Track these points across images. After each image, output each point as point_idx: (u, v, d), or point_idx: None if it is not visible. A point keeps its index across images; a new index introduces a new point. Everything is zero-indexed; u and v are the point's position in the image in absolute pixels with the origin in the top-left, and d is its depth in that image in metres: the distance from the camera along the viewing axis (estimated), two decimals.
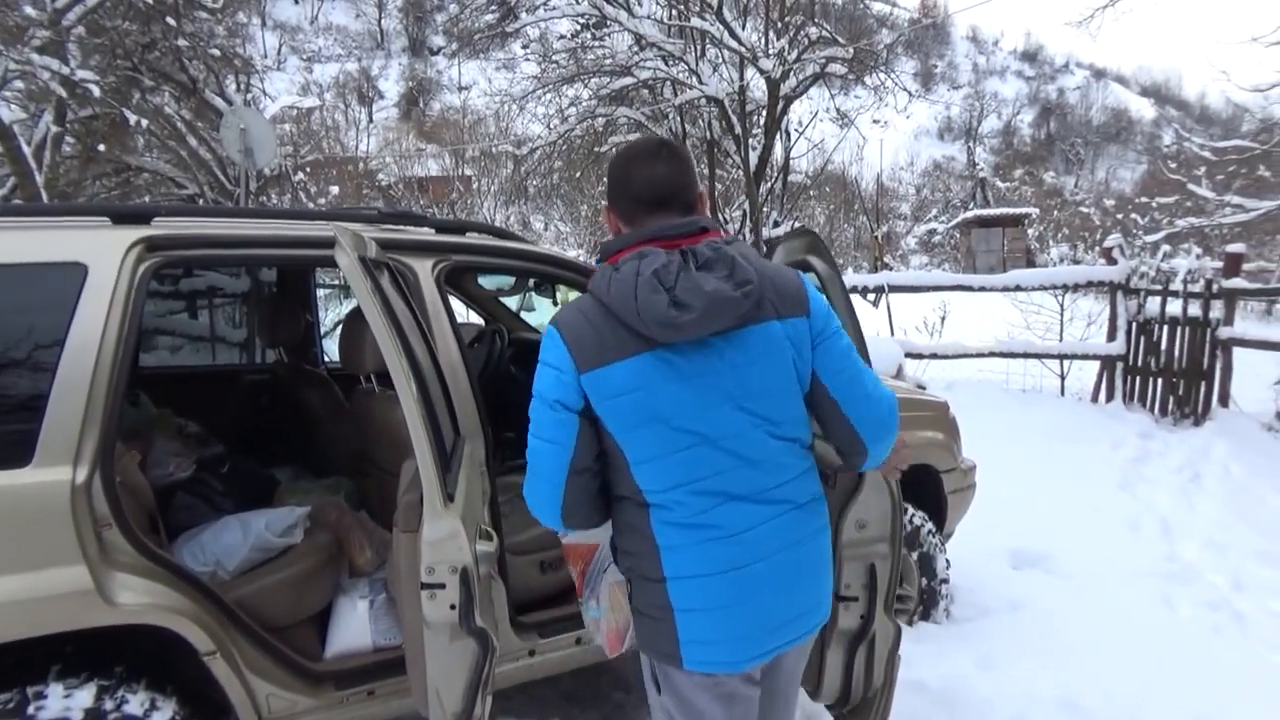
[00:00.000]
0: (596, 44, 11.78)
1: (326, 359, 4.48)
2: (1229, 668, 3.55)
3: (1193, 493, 6.13)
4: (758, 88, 12.18)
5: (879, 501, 2.38)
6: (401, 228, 2.92)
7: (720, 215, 12.44)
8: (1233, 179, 17.76)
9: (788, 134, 13.27)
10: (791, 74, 11.22)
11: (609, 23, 11.24)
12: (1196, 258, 13.53)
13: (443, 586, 1.85)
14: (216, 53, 11.99)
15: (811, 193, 19.93)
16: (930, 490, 3.86)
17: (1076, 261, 24.56)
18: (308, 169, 16.48)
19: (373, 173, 30.47)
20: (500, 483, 2.96)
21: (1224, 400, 8.62)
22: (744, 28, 10.81)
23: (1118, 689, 3.26)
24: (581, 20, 12.01)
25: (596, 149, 12.83)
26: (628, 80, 11.45)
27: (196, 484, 3.01)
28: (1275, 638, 3.88)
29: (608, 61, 11.78)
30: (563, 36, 12.44)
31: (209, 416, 3.70)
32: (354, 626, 2.73)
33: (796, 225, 12.86)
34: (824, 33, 10.84)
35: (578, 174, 14.22)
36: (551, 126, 12.65)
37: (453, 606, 1.85)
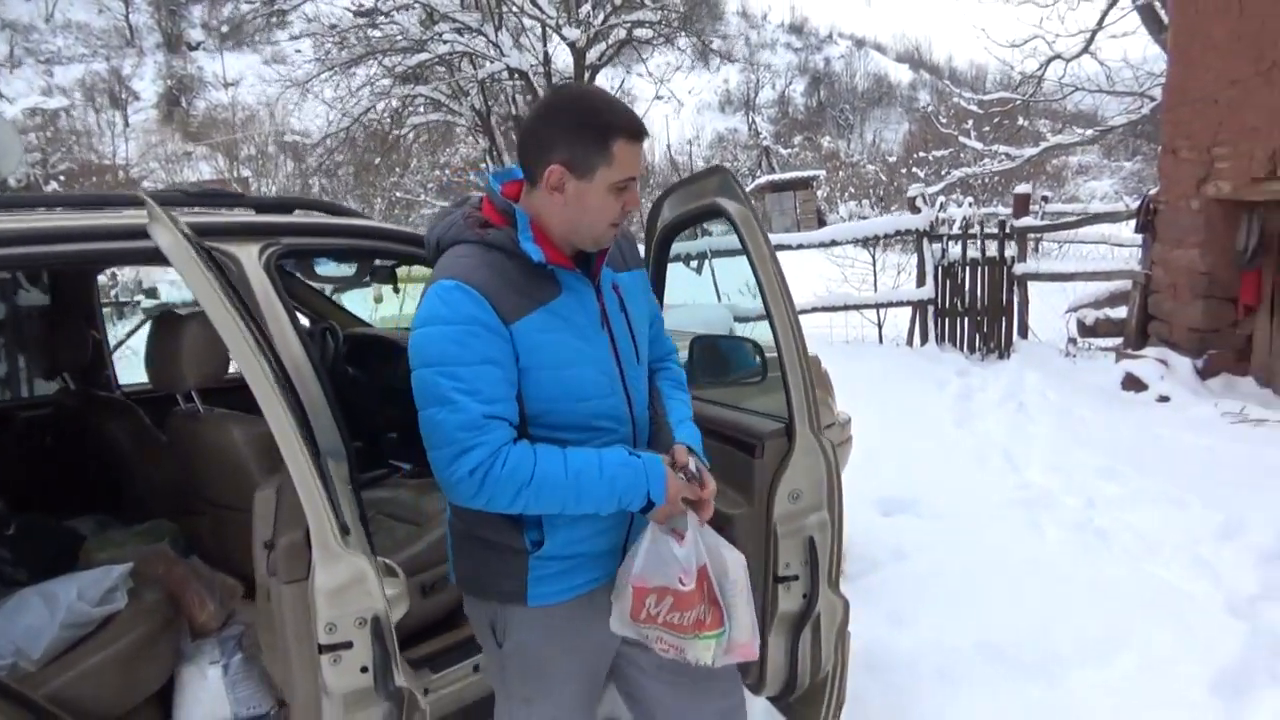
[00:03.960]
0: (385, 20, 10.99)
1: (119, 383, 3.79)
2: (1110, 583, 3.65)
3: (1022, 422, 6.42)
4: (562, 59, 11.85)
5: (812, 466, 2.16)
6: (214, 210, 2.41)
7: None
8: (997, 131, 19.28)
9: None
10: (598, 41, 10.95)
11: None
12: (970, 205, 14.45)
13: (349, 646, 1.45)
14: None
15: None
16: None
17: (864, 217, 25.96)
18: (61, 179, 14.64)
19: (136, 180, 27.77)
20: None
21: (1024, 332, 9.24)
22: None
23: (1023, 623, 3.26)
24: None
25: (395, 132, 12.04)
26: (424, 56, 10.77)
27: None
28: (1138, 548, 4.05)
29: (399, 38, 11.02)
30: (353, 10, 11.45)
31: None
32: (206, 700, 2.25)
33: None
34: None
35: (377, 160, 13.32)
36: (343, 111, 11.71)
37: (364, 669, 1.46)
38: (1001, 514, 4.59)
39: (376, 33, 11.30)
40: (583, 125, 1.57)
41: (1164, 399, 6.70)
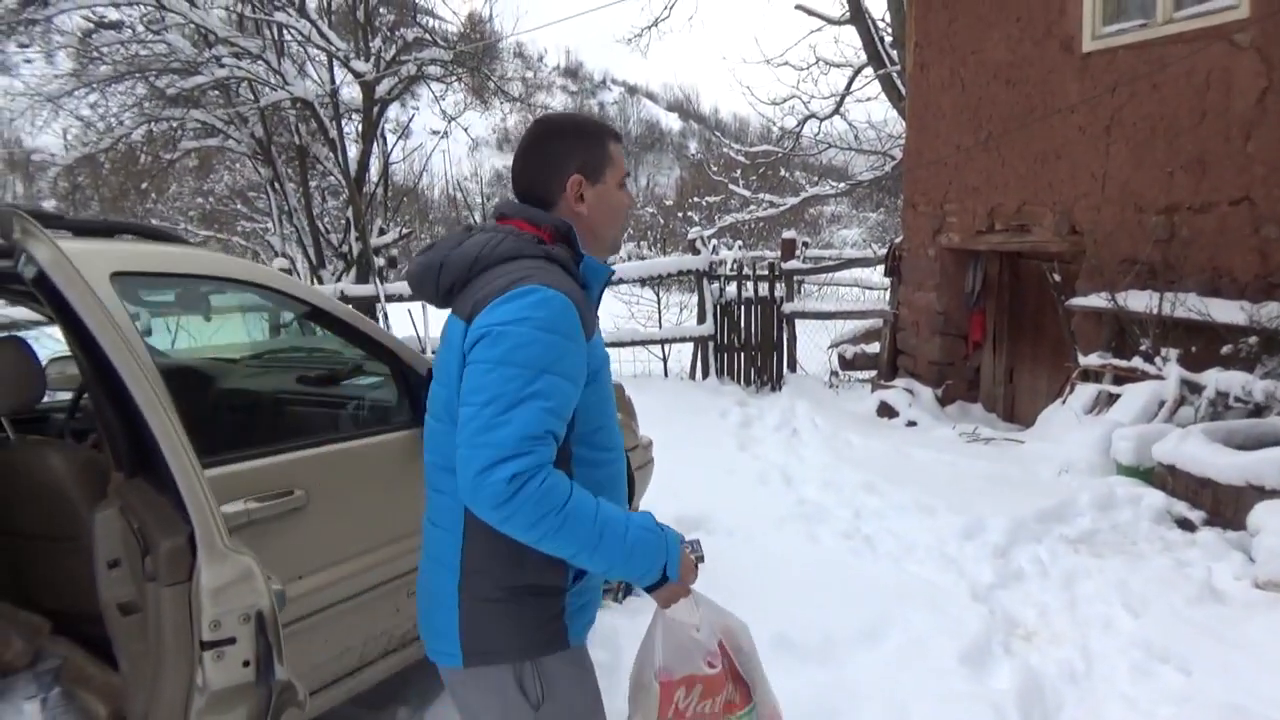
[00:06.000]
0: (154, 38, 10.32)
1: None
2: (876, 580, 4.18)
3: (796, 445, 7.07)
4: (348, 91, 11.65)
5: None
6: None
7: (318, 224, 11.68)
8: (762, 180, 20.79)
9: (385, 138, 12.84)
10: (388, 76, 10.86)
11: (164, 15, 9.91)
12: (739, 248, 15.54)
13: (233, 641, 1.53)
14: None
15: (391, 203, 19.68)
16: None
17: (643, 257, 27.07)
18: None
19: None
20: None
21: (792, 366, 10.08)
22: (330, 25, 10.21)
23: (807, 617, 3.68)
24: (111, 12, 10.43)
25: (166, 156, 11.29)
26: (200, 80, 10.21)
27: None
28: (898, 549, 4.64)
29: (169, 58, 10.37)
30: (96, 22, 10.58)
31: None
32: None
33: (404, 231, 12.55)
34: (422, 34, 10.65)
35: (144, 185, 12.41)
36: (102, 131, 10.82)
37: (246, 663, 1.54)
38: (784, 526, 5.08)
39: (144, 51, 10.61)
40: (584, 135, 1.73)
41: (912, 423, 7.60)
